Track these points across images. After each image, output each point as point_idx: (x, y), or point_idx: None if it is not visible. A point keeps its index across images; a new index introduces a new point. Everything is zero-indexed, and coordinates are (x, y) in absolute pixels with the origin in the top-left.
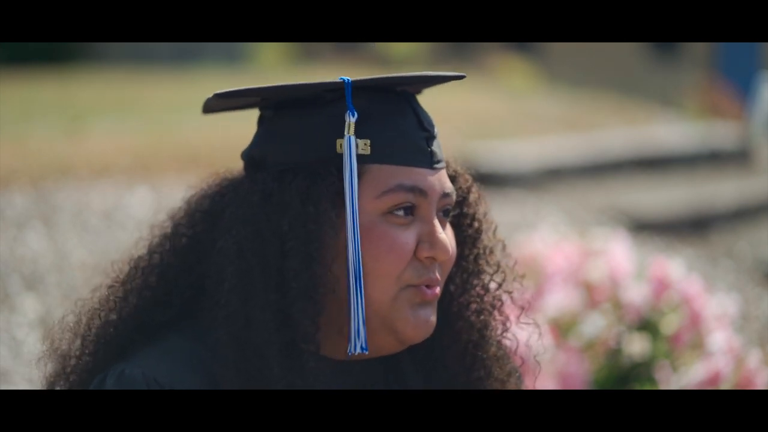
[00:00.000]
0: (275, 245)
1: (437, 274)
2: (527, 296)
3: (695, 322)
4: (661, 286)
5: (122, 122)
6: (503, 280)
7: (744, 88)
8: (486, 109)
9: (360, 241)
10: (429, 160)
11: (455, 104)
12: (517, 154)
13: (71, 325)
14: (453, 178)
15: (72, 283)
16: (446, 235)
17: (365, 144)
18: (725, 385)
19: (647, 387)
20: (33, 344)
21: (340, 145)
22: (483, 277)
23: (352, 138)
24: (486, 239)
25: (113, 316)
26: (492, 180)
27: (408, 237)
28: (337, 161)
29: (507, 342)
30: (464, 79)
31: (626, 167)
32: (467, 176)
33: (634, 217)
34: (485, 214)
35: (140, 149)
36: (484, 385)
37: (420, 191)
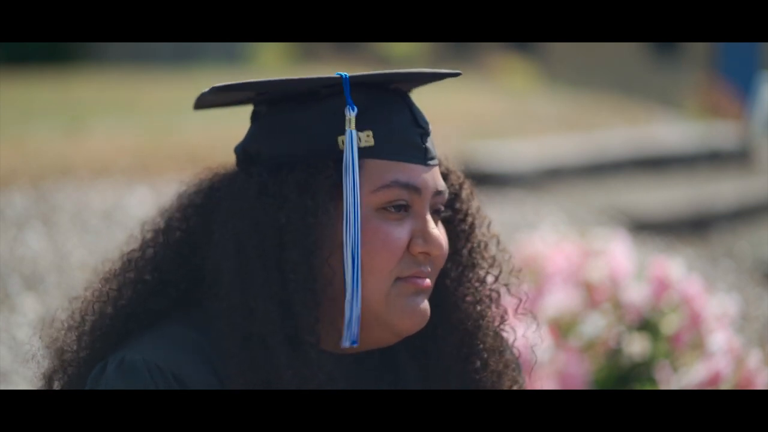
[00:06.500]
0: (273, 238)
1: (428, 268)
2: (524, 289)
3: (695, 322)
4: (661, 286)
5: (122, 122)
6: (499, 274)
7: (744, 88)
8: (486, 109)
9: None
10: (423, 157)
11: (455, 104)
12: (517, 154)
13: (66, 320)
14: (445, 176)
15: (72, 283)
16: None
17: (368, 135)
18: (725, 385)
19: (647, 387)
20: (33, 344)
21: (342, 141)
22: (478, 270)
23: (354, 132)
24: (480, 234)
25: (108, 309)
26: (492, 180)
27: (401, 232)
28: (333, 155)
29: (505, 334)
30: (464, 80)
31: (626, 167)
32: (459, 173)
33: (634, 217)
34: (478, 209)
35: (140, 149)
36: (480, 376)
37: (414, 188)
